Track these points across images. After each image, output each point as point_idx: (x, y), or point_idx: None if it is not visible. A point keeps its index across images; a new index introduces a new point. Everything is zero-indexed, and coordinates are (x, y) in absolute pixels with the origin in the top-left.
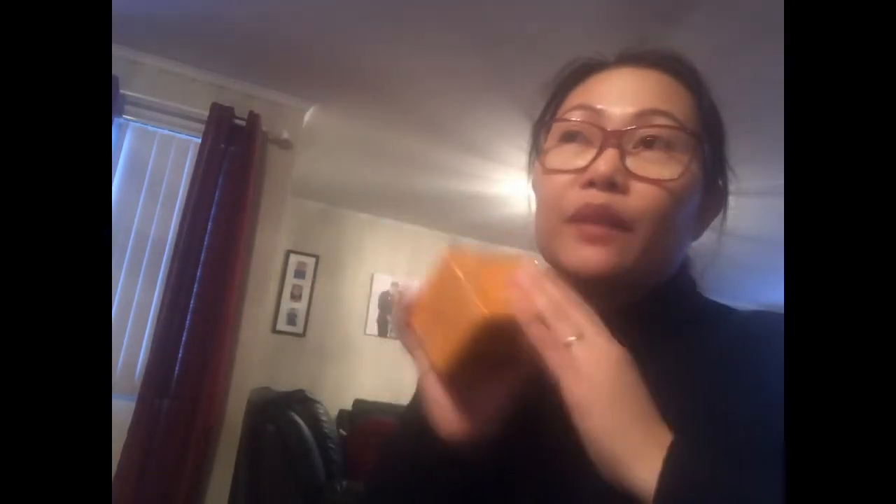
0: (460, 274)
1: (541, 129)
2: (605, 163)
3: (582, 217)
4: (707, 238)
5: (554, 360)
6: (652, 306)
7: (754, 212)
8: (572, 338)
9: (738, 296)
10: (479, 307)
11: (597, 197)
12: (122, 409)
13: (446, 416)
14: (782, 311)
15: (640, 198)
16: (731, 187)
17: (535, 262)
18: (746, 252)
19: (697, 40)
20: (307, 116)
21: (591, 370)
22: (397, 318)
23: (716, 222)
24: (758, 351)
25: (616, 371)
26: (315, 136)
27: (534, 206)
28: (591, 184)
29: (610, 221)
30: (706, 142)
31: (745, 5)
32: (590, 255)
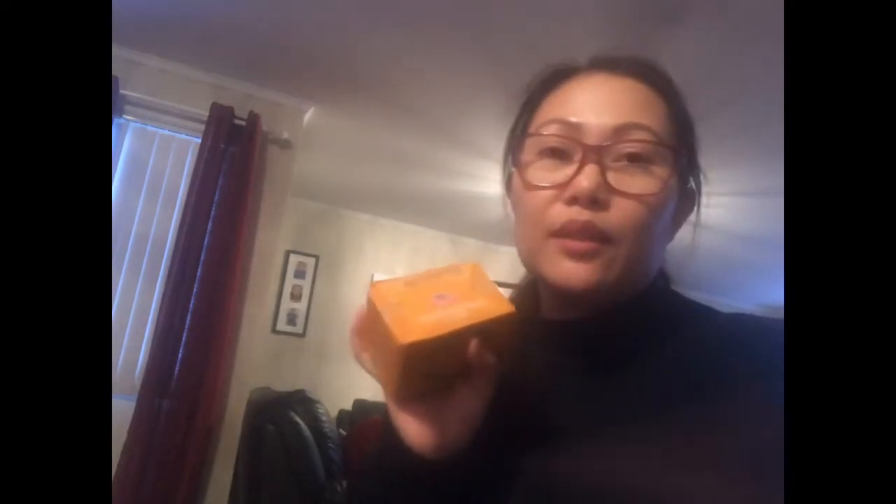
0: (379, 308)
1: (515, 140)
2: (587, 179)
3: (566, 233)
4: (684, 232)
5: None
6: (631, 311)
7: (754, 212)
8: None
9: (739, 296)
10: (396, 338)
11: (580, 213)
12: (122, 409)
13: (414, 431)
14: (759, 313)
15: (621, 212)
16: (726, 188)
17: (473, 266)
18: (746, 252)
19: (697, 40)
20: (307, 116)
21: None
22: (352, 348)
23: (691, 216)
24: (740, 353)
25: None
26: (315, 136)
27: (510, 213)
28: (573, 200)
29: (594, 237)
30: (681, 150)
31: (745, 5)
32: (574, 270)
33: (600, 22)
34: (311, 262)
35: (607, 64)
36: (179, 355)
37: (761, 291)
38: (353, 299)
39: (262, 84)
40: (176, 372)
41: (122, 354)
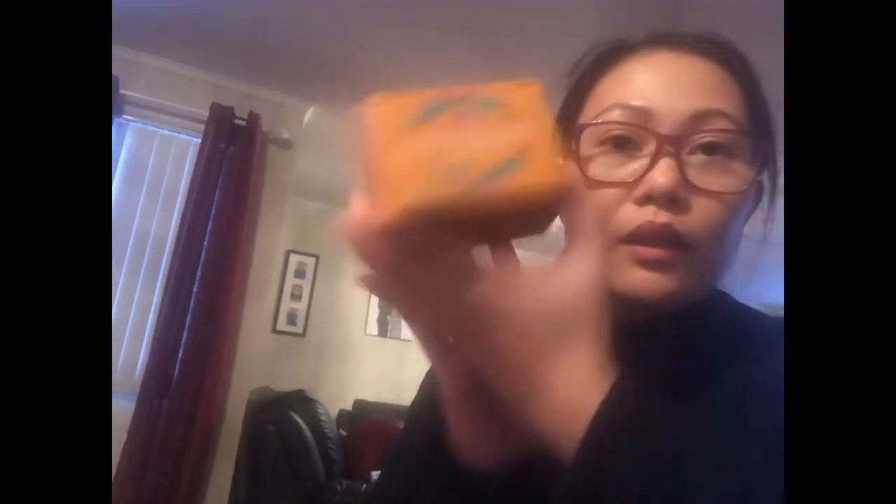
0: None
1: (565, 132)
2: (665, 175)
3: (639, 238)
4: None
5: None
6: (690, 317)
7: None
8: None
9: (738, 295)
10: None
11: (658, 215)
12: (122, 409)
13: (465, 438)
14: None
15: (702, 213)
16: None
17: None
18: (746, 251)
19: None
20: (307, 116)
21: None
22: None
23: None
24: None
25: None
26: (315, 136)
27: None
28: (648, 199)
29: (672, 242)
30: (763, 141)
31: (745, 4)
32: (648, 280)
33: (600, 20)
34: (311, 262)
35: (672, 40)
36: (179, 355)
37: (761, 291)
38: (353, 299)
39: (262, 84)
40: (176, 372)
41: (122, 354)
